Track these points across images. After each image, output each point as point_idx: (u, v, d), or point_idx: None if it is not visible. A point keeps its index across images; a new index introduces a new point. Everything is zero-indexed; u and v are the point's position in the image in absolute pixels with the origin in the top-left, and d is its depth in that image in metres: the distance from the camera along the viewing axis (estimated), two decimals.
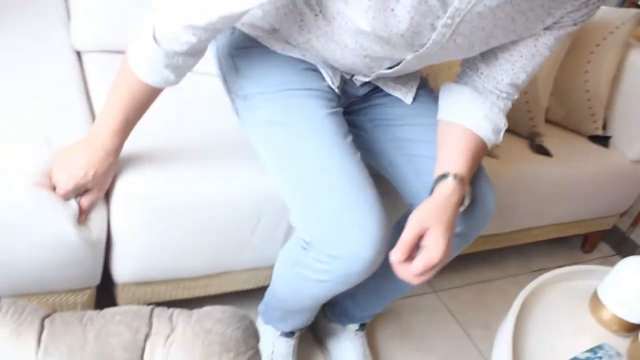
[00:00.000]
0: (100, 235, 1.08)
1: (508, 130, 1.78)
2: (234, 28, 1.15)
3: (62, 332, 0.75)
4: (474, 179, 1.09)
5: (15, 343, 0.72)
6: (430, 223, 0.94)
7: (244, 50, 1.12)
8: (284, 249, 1.16)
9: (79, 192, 1.02)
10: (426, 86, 1.25)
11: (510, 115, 1.75)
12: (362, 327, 1.44)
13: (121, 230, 1.10)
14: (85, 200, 1.03)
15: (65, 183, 1.00)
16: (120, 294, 1.21)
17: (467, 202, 1.04)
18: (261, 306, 1.34)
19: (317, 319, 1.50)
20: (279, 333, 1.34)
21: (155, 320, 0.80)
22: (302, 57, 1.10)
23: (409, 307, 1.72)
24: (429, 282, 1.84)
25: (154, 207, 1.10)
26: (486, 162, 1.59)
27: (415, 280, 0.95)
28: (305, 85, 1.09)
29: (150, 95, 1.00)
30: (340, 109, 1.12)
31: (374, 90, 1.21)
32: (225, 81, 1.16)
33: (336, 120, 1.08)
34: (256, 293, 1.35)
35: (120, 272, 1.17)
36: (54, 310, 0.82)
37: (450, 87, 1.13)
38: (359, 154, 1.07)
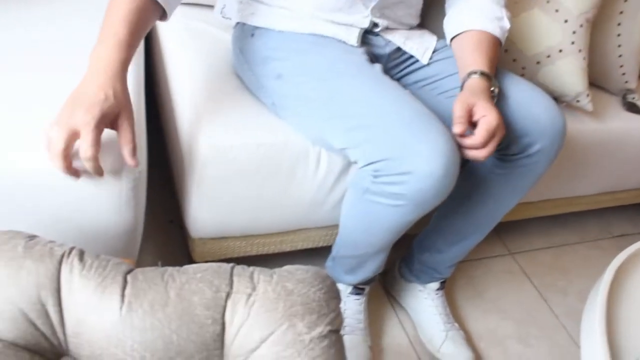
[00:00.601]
0: (137, 210, 0.95)
1: (598, 87, 1.70)
2: (253, 29, 1.17)
3: (145, 288, 0.74)
4: (532, 96, 1.14)
5: (101, 297, 0.72)
6: (473, 100, 1.02)
7: (266, 40, 1.15)
8: (351, 185, 1.15)
9: (107, 123, 0.84)
10: (443, 45, 1.27)
11: (601, 71, 1.67)
12: (442, 285, 1.42)
13: (198, 185, 1.09)
14: (123, 134, 0.85)
15: (85, 116, 0.79)
16: (195, 249, 1.21)
17: (496, 90, 1.09)
18: (328, 262, 1.32)
19: (393, 279, 1.47)
20: (349, 291, 1.32)
21: (236, 279, 0.78)
22: (313, 32, 1.13)
23: (484, 269, 1.67)
24: (504, 243, 1.77)
25: (232, 162, 1.07)
26: (573, 117, 1.50)
27: (483, 153, 1.01)
28: (333, 45, 1.13)
29: (142, 7, 0.92)
30: (377, 64, 1.14)
31: (397, 52, 1.22)
32: (256, 75, 1.16)
33: (375, 66, 1.10)
34: (326, 250, 1.33)
35: (196, 226, 1.16)
36: (135, 265, 0.82)
37: (446, 18, 1.24)
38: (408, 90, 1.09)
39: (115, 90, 0.83)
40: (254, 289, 0.77)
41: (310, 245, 1.35)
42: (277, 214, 1.18)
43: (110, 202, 0.91)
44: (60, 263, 0.73)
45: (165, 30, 1.31)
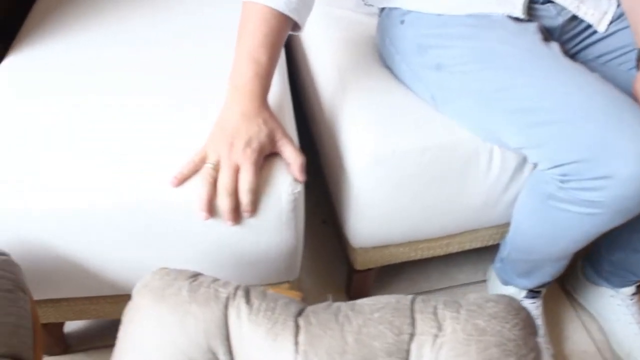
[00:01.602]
0: (298, 230, 0.91)
1: None
2: (402, 14, 1.04)
3: (319, 334, 0.66)
4: None
5: (272, 345, 0.66)
6: None
7: (419, 27, 1.02)
8: (529, 188, 1.00)
9: (266, 152, 0.84)
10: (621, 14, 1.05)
11: None
12: (639, 289, 1.23)
13: (357, 197, 1.00)
14: (287, 154, 0.84)
15: (246, 151, 0.80)
16: (357, 258, 1.14)
17: None
18: (496, 263, 1.19)
19: (576, 281, 1.31)
20: (523, 295, 1.19)
21: (418, 317, 0.69)
22: (471, 12, 0.98)
23: None
24: None
25: (394, 169, 0.97)
26: None
27: None
28: (498, 27, 0.96)
29: (277, 27, 0.87)
30: (554, 42, 0.97)
31: (571, 22, 1.04)
32: (410, 67, 1.03)
33: (552, 46, 0.94)
34: (495, 247, 1.21)
35: (356, 237, 1.09)
36: (303, 299, 0.75)
37: None
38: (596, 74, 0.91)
39: (264, 119, 0.83)
40: (440, 328, 0.68)
41: (478, 245, 1.22)
42: (444, 218, 1.07)
43: (271, 225, 0.85)
44: (226, 307, 0.68)
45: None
